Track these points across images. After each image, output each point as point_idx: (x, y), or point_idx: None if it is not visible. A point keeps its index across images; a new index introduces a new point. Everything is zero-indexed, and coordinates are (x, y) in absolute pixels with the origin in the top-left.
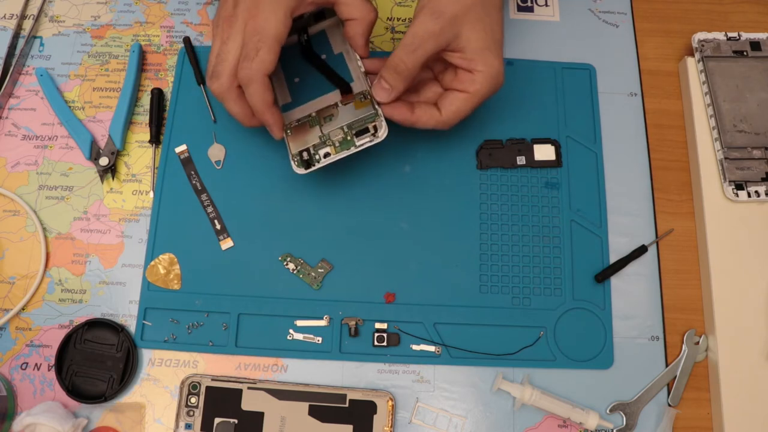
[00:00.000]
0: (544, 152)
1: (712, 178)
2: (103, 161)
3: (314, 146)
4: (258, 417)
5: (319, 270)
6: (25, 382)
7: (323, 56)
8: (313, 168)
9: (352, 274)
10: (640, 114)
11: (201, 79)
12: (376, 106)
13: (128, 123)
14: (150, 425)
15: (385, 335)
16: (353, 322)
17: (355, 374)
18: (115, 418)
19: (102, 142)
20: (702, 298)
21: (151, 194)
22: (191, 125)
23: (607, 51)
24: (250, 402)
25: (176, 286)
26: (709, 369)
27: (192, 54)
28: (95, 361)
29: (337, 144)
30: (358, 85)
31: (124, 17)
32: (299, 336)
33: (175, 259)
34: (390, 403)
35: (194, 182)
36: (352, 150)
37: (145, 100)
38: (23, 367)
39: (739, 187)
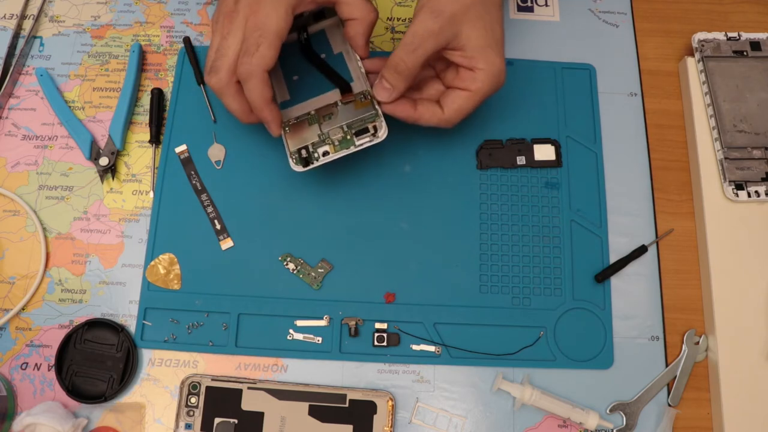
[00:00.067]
0: (544, 152)
1: (712, 178)
2: (103, 161)
3: (313, 144)
4: (258, 417)
5: (319, 270)
6: (25, 382)
7: (323, 56)
8: (311, 166)
9: (352, 274)
10: (640, 114)
11: (201, 79)
12: (377, 106)
13: (128, 123)
14: (150, 425)
15: (385, 335)
16: (353, 322)
17: (355, 374)
18: (115, 418)
19: (102, 142)
20: (702, 298)
21: (151, 194)
22: (191, 125)
23: (607, 51)
24: (250, 402)
25: (176, 286)
26: (709, 369)
27: (192, 54)
28: (95, 361)
29: (336, 143)
30: (358, 85)
31: (124, 17)
32: (299, 336)
33: (175, 259)
34: (390, 403)
35: (194, 182)
36: (352, 149)
37: (145, 100)
38: (23, 367)
39: (739, 187)
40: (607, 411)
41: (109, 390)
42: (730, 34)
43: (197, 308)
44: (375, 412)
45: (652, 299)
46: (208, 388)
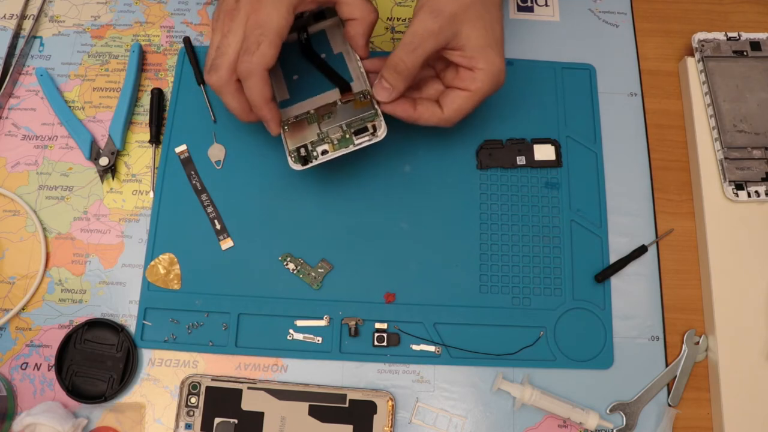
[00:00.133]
0: (544, 152)
1: (712, 178)
2: (103, 161)
3: (312, 143)
4: (258, 417)
5: (319, 270)
6: (25, 382)
7: (323, 56)
8: (310, 164)
9: (352, 274)
10: (640, 114)
11: (201, 79)
12: (376, 106)
13: (128, 123)
14: (150, 425)
15: (385, 335)
16: (353, 322)
17: (355, 374)
18: (115, 418)
19: (102, 142)
20: (702, 298)
21: (151, 194)
22: (191, 125)
23: (607, 51)
24: (250, 402)
25: (176, 286)
26: (709, 369)
27: (192, 54)
28: (95, 361)
29: (335, 142)
30: (357, 85)
31: (124, 17)
32: (299, 336)
33: (175, 259)
34: (390, 403)
35: (194, 182)
36: (351, 148)
37: (145, 100)
38: (23, 367)
39: (739, 187)
40: (607, 411)
41: (109, 390)
42: (730, 34)
43: (197, 308)
44: (375, 412)
45: (652, 299)
46: (208, 388)
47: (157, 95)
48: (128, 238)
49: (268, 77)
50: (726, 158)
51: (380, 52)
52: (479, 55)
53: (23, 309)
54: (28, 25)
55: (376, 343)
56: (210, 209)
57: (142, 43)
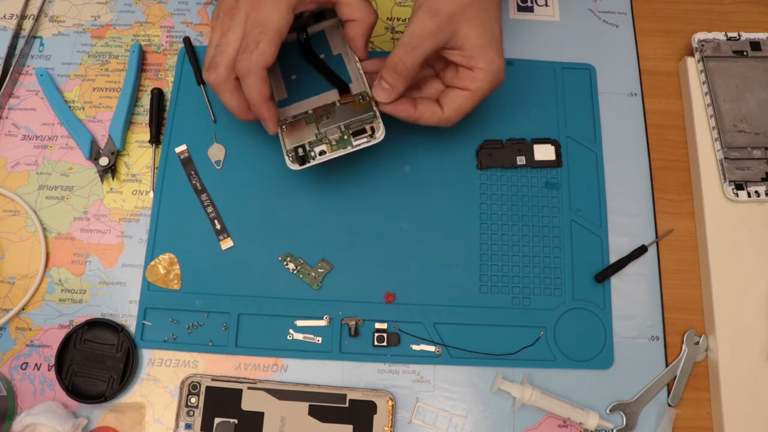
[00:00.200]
0: (544, 152)
1: (712, 178)
2: (103, 161)
3: (310, 143)
4: (258, 417)
5: (319, 270)
6: (25, 382)
7: (322, 56)
8: (307, 165)
9: (352, 274)
10: (640, 114)
11: (201, 79)
12: (375, 108)
13: (128, 123)
14: (150, 425)
15: (385, 335)
16: (353, 322)
17: (355, 374)
18: (115, 418)
19: (102, 142)
20: (702, 298)
21: (151, 194)
22: (191, 125)
23: (607, 51)
24: (250, 402)
25: (176, 286)
26: (709, 369)
27: (192, 54)
28: (95, 361)
29: (333, 143)
30: (356, 86)
31: (124, 17)
32: (299, 336)
33: (175, 259)
34: (390, 403)
35: (194, 182)
36: (349, 149)
37: (145, 100)
38: (23, 367)
39: (739, 187)
40: (607, 411)
41: (109, 390)
42: (730, 34)
43: (197, 308)
44: (375, 412)
45: (652, 299)
46: (208, 388)
47: (157, 95)
48: (128, 238)
49: (266, 76)
50: (726, 158)
51: (380, 52)
52: (478, 55)
53: (23, 309)
54: (28, 25)
55: (376, 343)
56: (210, 209)
57: (142, 43)
